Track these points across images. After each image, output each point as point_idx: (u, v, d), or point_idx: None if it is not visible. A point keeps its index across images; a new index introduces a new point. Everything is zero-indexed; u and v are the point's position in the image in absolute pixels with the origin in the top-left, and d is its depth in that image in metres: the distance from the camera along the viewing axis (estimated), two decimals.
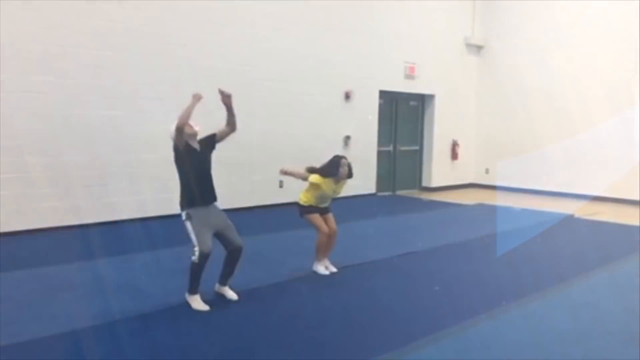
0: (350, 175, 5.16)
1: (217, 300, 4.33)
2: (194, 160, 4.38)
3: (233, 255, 4.35)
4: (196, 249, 4.16)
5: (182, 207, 4.37)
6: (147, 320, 3.89)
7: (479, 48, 12.29)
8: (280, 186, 8.83)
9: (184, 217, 4.33)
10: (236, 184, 8.27)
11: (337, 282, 4.94)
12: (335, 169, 5.04)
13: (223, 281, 4.45)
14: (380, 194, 10.88)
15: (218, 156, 8.75)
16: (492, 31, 12.11)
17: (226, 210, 8.78)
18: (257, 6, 8.49)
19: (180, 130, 4.24)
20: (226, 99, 4.52)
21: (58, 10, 6.63)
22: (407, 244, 6.41)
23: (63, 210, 6.83)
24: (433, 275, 5.22)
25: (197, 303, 4.20)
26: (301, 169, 5.12)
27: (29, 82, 6.48)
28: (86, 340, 3.53)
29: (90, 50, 6.91)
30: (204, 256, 4.14)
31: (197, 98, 4.33)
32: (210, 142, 4.54)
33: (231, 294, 4.41)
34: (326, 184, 5.03)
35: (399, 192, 11.40)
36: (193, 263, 4.17)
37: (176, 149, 4.36)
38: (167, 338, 3.60)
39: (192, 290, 4.22)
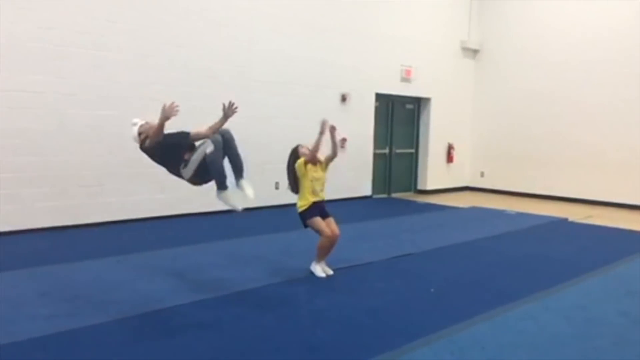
0: (313, 157, 5.06)
1: (211, 302, 4.34)
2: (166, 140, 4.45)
3: (228, 144, 4.41)
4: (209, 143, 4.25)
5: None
6: (142, 321, 3.89)
7: (475, 52, 12.35)
8: (276, 188, 8.84)
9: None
10: (232, 185, 8.27)
11: (332, 284, 4.96)
12: (295, 152, 5.12)
13: (238, 176, 4.48)
14: (375, 196, 10.91)
15: None
16: (488, 35, 12.19)
17: (222, 212, 8.77)
18: (254, 8, 8.52)
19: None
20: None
21: (55, 10, 6.64)
22: (403, 246, 6.44)
23: (59, 210, 6.83)
24: (428, 277, 5.25)
25: (231, 199, 4.36)
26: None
27: (26, 82, 6.48)
28: (82, 341, 3.54)
29: (87, 50, 6.91)
30: (218, 142, 4.25)
31: (170, 110, 4.23)
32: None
33: (249, 191, 4.47)
34: (304, 166, 5.02)
35: (395, 195, 11.44)
36: (210, 153, 4.23)
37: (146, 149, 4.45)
38: (159, 340, 3.60)
39: (221, 186, 4.31)
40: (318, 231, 5.05)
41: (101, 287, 4.60)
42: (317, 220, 5.03)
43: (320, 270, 5.14)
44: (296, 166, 5.03)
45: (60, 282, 4.72)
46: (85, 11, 6.86)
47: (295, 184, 5.12)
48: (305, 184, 5.03)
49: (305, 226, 5.12)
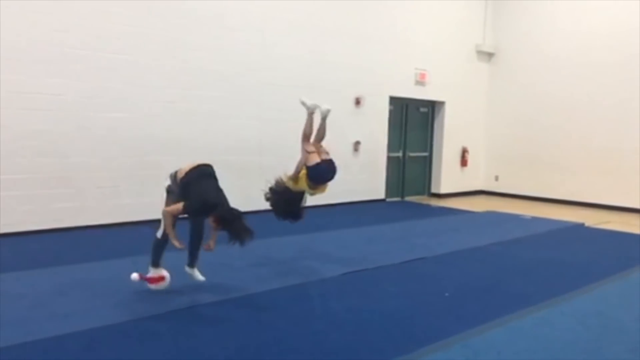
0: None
1: (225, 304, 4.36)
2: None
3: (194, 238, 4.52)
4: (160, 229, 4.36)
5: (170, 176, 4.52)
6: (155, 322, 3.92)
7: (490, 55, 12.29)
8: None
9: (165, 189, 4.49)
10: (246, 187, 8.29)
11: (346, 287, 4.96)
12: (282, 188, 5.33)
13: (190, 263, 4.63)
14: (389, 199, 10.89)
15: (227, 160, 8.85)
16: (503, 38, 12.12)
17: None
18: (267, 12, 8.56)
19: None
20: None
21: (73, 14, 6.72)
22: (416, 250, 6.42)
23: (75, 211, 6.91)
24: (442, 281, 5.23)
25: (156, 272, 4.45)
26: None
27: (43, 84, 6.57)
28: (99, 340, 3.58)
29: (103, 53, 6.99)
30: (164, 236, 4.35)
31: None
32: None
33: (198, 276, 4.62)
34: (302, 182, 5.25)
35: (408, 198, 11.41)
36: (156, 239, 4.38)
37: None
38: (175, 340, 3.62)
39: (154, 265, 4.43)
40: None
41: (118, 287, 4.63)
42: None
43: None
44: (295, 185, 5.27)
45: (78, 281, 4.77)
46: (102, 15, 6.94)
47: (299, 206, 5.33)
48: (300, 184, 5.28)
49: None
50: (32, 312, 4.01)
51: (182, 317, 4.04)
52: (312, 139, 5.40)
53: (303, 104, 5.59)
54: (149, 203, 7.51)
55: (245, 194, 8.68)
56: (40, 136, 6.59)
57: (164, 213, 4.23)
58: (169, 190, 4.47)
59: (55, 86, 6.67)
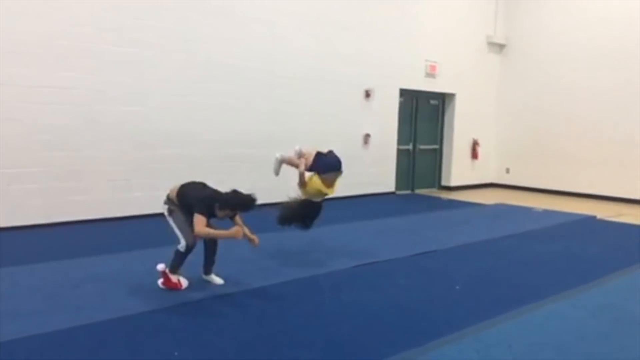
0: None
1: (236, 296, 4.38)
2: None
3: (209, 246, 4.59)
4: (182, 242, 4.41)
5: (165, 202, 4.59)
6: (167, 314, 3.95)
7: (501, 47, 12.19)
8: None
9: (165, 213, 4.53)
10: (256, 180, 8.31)
11: (357, 280, 4.96)
12: (300, 202, 5.37)
13: (207, 271, 4.69)
14: (399, 192, 10.87)
15: (238, 153, 8.83)
16: (514, 30, 12.01)
17: None
18: (277, 5, 8.54)
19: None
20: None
21: (83, 8, 6.75)
22: (427, 243, 6.40)
23: (87, 204, 6.97)
24: (453, 274, 5.21)
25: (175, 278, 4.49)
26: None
27: (55, 78, 6.62)
28: (111, 332, 3.61)
29: (114, 47, 7.02)
30: (190, 248, 4.41)
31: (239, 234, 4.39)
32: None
33: (217, 280, 4.67)
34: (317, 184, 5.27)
35: (418, 191, 11.38)
36: (179, 251, 4.42)
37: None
38: (186, 332, 3.65)
39: (173, 270, 4.46)
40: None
41: (129, 279, 4.68)
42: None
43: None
44: (309, 189, 5.30)
45: (90, 274, 4.81)
46: (113, 9, 6.96)
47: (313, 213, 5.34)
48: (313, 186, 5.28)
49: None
50: (45, 305, 4.06)
51: (193, 309, 4.07)
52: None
53: (275, 171, 5.80)
54: (160, 196, 7.55)
55: (256, 186, 8.73)
56: (51, 130, 6.64)
57: (200, 233, 4.28)
58: (171, 211, 4.52)
59: (67, 80, 6.71)
